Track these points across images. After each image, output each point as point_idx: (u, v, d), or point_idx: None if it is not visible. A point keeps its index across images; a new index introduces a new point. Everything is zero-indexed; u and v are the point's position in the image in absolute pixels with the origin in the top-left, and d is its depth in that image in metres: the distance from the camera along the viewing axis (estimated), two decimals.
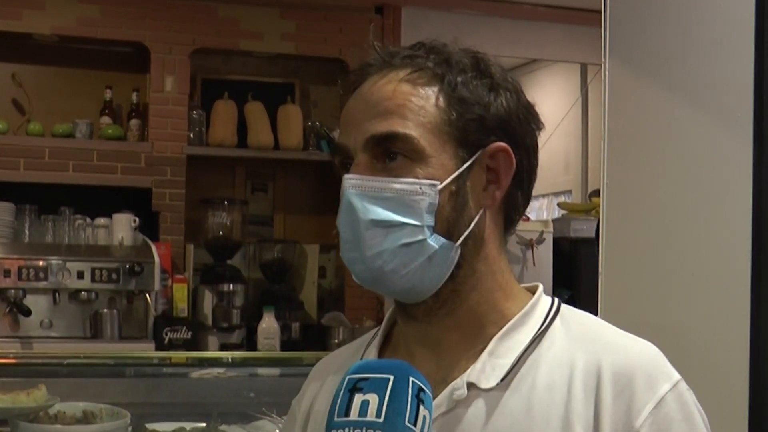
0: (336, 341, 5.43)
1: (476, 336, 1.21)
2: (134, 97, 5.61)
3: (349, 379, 1.06)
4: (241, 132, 5.70)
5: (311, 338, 5.58)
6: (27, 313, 4.87)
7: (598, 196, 2.75)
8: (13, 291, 4.87)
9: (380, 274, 1.18)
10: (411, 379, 1.05)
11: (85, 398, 2.97)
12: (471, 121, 1.19)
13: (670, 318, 2.42)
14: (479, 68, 1.22)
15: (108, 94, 5.59)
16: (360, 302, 5.80)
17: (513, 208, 1.25)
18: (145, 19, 5.53)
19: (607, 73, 2.72)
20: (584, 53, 5.72)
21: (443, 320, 1.22)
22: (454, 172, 1.18)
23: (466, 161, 1.19)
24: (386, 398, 1.03)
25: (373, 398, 1.04)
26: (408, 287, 1.19)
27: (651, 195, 2.58)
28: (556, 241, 5.73)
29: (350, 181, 1.18)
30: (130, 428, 2.85)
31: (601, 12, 2.75)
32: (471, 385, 1.18)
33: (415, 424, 1.04)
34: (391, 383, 1.04)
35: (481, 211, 1.21)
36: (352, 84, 1.25)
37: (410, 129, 1.17)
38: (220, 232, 5.60)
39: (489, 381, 1.17)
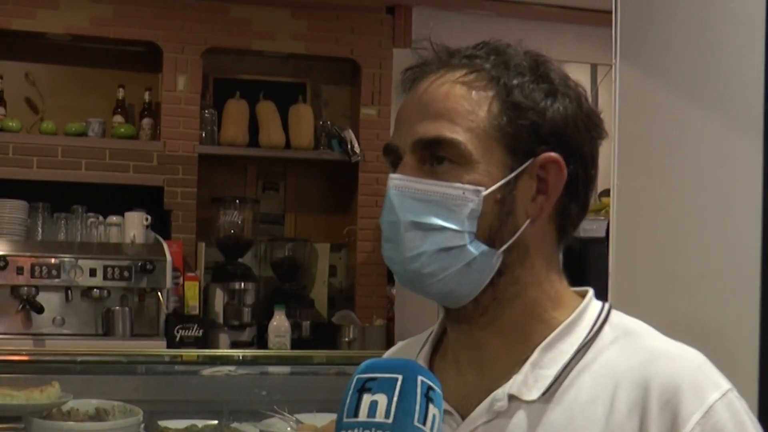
0: (346, 339, 5.45)
1: (521, 345, 1.19)
2: (146, 96, 5.63)
3: (357, 378, 1.06)
4: (252, 131, 5.71)
5: (322, 336, 5.59)
6: (39, 310, 4.89)
7: (608, 196, 2.76)
8: (25, 288, 4.89)
9: (417, 276, 1.17)
10: (420, 378, 1.05)
11: (98, 395, 2.99)
12: (523, 127, 1.16)
13: (680, 318, 2.43)
14: (538, 72, 1.19)
15: (120, 93, 5.60)
16: (370, 301, 5.81)
17: (566, 219, 1.22)
18: (158, 18, 5.55)
19: (617, 74, 2.73)
20: (594, 54, 5.72)
21: (486, 327, 1.20)
22: (501, 179, 1.16)
23: (515, 169, 1.16)
24: (395, 398, 1.03)
25: (381, 398, 1.03)
26: (445, 291, 1.17)
27: (661, 195, 2.59)
28: None
29: (394, 181, 1.17)
30: (142, 425, 2.87)
31: (611, 13, 2.76)
32: (512, 397, 1.16)
33: (424, 424, 1.03)
34: (399, 383, 1.04)
35: (528, 221, 1.18)
36: (408, 81, 1.24)
37: (458, 134, 1.15)
38: (232, 231, 5.61)
39: (531, 393, 1.16)
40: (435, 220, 1.15)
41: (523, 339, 1.19)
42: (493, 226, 1.16)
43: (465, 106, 1.16)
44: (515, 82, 1.17)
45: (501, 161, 1.16)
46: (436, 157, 1.16)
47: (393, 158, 1.21)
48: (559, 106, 1.18)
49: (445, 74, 1.19)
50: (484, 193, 1.15)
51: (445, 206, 1.15)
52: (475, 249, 1.15)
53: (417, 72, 1.23)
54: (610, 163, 2.74)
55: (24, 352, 4.25)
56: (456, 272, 1.16)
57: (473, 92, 1.17)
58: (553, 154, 1.17)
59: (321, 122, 5.85)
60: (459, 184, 1.15)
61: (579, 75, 7.94)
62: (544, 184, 1.18)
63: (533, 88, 1.18)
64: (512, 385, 1.16)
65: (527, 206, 1.18)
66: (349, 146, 5.74)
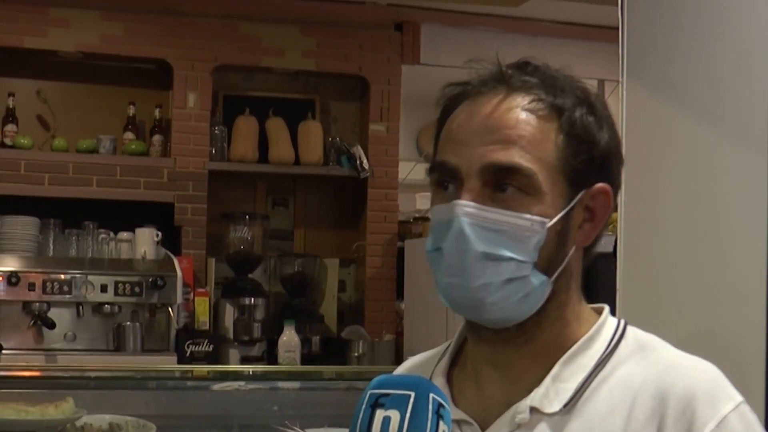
0: (355, 354, 5.46)
1: (544, 361, 1.21)
2: (157, 113, 5.66)
3: (370, 394, 1.08)
4: (262, 147, 5.74)
5: (331, 351, 5.61)
6: (51, 325, 4.91)
7: (616, 211, 2.78)
8: (37, 304, 4.92)
9: (480, 304, 1.17)
10: (431, 395, 1.07)
11: (110, 410, 3.00)
12: (583, 161, 1.18)
13: (687, 332, 2.45)
14: (589, 102, 1.20)
15: (131, 110, 5.63)
16: (379, 316, 5.83)
17: (594, 243, 1.24)
18: (168, 36, 5.59)
19: (624, 91, 2.75)
20: (602, 69, 5.74)
21: (520, 347, 1.21)
22: (562, 210, 1.17)
23: (572, 200, 1.18)
24: (407, 415, 1.05)
25: (394, 414, 1.05)
26: (501, 317, 1.18)
27: (668, 211, 2.61)
28: None
29: (464, 209, 1.15)
30: None
31: (618, 30, 2.79)
32: (533, 410, 1.18)
33: None
34: (412, 400, 1.06)
35: (573, 248, 1.20)
36: (456, 96, 1.22)
37: (531, 163, 1.15)
38: (242, 247, 5.64)
39: (552, 406, 1.17)
40: (505, 252, 1.15)
41: (547, 356, 1.21)
42: (551, 255, 1.17)
43: (535, 136, 1.16)
44: (576, 114, 1.18)
45: (563, 193, 1.17)
46: (501, 184, 1.16)
47: (444, 177, 1.19)
48: (606, 136, 1.20)
49: (507, 98, 1.18)
50: (549, 224, 1.16)
51: (514, 237, 1.15)
52: (535, 279, 1.17)
53: (471, 89, 1.21)
54: None
55: (37, 368, 4.28)
56: (515, 301, 1.17)
57: (541, 122, 1.17)
58: (604, 185, 1.20)
59: (330, 138, 5.88)
60: (528, 215, 1.15)
61: None
62: (591, 213, 1.21)
63: (590, 120, 1.19)
64: (533, 398, 1.18)
65: (575, 234, 1.20)
66: (358, 162, 5.77)
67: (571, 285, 1.22)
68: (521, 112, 1.17)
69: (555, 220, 1.16)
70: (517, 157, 1.15)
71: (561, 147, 1.17)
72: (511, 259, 1.15)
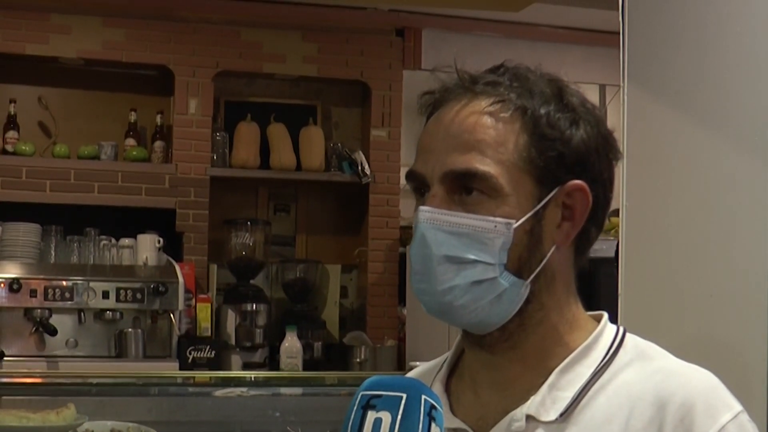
0: (358, 360, 5.47)
1: (540, 368, 1.20)
2: (158, 119, 5.67)
3: (362, 395, 1.07)
4: (263, 153, 5.74)
5: (333, 357, 5.61)
6: (53, 332, 4.91)
7: (617, 216, 2.78)
8: (39, 310, 4.91)
9: (449, 308, 1.17)
10: (423, 397, 1.06)
11: (112, 417, 3.01)
12: (551, 159, 1.17)
13: (689, 337, 2.44)
14: (561, 100, 1.20)
15: (133, 117, 5.64)
16: (381, 321, 5.83)
17: (585, 242, 1.23)
18: (170, 42, 5.60)
19: (625, 95, 2.75)
20: (603, 74, 5.74)
21: (507, 352, 1.21)
22: (530, 210, 1.17)
23: (542, 199, 1.17)
24: (399, 416, 1.04)
25: (385, 416, 1.04)
26: (475, 321, 1.19)
27: (670, 216, 2.60)
28: None
29: (425, 214, 1.17)
30: None
31: (619, 34, 2.79)
32: (530, 418, 1.17)
33: None
34: (404, 401, 1.05)
35: (554, 248, 1.19)
36: (427, 105, 1.24)
37: (489, 166, 1.15)
38: (243, 253, 5.64)
39: (549, 414, 1.17)
40: (468, 254, 1.15)
41: (540, 362, 1.21)
42: (523, 256, 1.17)
43: (494, 138, 1.17)
44: (542, 111, 1.18)
45: (530, 192, 1.17)
46: (466, 188, 1.16)
47: (417, 185, 1.21)
48: (582, 133, 1.19)
49: (470, 103, 1.19)
50: (515, 225, 1.16)
51: (477, 239, 1.15)
52: (505, 281, 1.17)
53: (438, 97, 1.23)
54: (619, 183, 2.76)
55: (39, 375, 4.27)
56: (487, 304, 1.17)
57: (501, 124, 1.17)
58: (579, 182, 1.19)
59: (332, 144, 5.89)
60: (491, 218, 1.15)
61: (588, 95, 7.98)
62: (570, 212, 1.20)
63: (559, 117, 1.18)
64: (530, 406, 1.18)
65: (553, 234, 1.19)
66: (359, 168, 5.78)
67: (555, 287, 1.21)
68: (481, 115, 1.18)
69: (522, 220, 1.16)
70: (474, 161, 1.16)
71: (524, 147, 1.17)
72: (476, 261, 1.15)
